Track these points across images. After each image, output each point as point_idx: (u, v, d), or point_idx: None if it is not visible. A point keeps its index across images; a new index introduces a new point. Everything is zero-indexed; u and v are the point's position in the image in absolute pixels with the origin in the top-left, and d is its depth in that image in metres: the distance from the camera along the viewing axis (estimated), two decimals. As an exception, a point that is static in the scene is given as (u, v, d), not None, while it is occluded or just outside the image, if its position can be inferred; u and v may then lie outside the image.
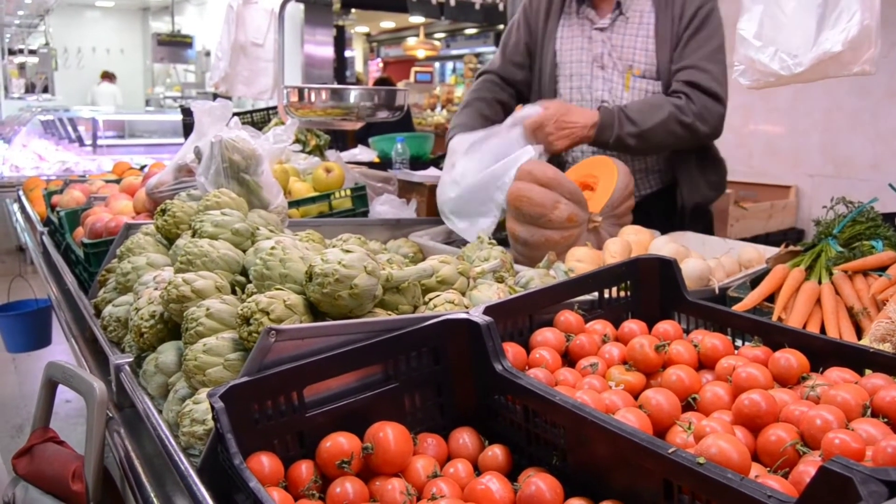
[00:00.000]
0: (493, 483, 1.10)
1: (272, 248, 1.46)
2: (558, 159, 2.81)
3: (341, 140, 4.63)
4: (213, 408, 1.09)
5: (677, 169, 2.71)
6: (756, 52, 1.85)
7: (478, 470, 1.22)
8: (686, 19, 2.55)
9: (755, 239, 4.29)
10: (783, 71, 1.82)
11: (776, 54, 1.82)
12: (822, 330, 1.65)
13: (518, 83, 2.96)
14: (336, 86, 3.03)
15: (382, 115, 2.79)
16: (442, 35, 16.42)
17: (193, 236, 1.74)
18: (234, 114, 4.01)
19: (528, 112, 2.49)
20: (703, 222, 2.79)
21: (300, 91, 2.78)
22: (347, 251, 1.37)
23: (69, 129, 8.46)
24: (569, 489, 1.11)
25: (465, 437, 1.27)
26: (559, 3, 2.80)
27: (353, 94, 2.75)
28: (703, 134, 2.55)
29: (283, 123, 3.37)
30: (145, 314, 1.59)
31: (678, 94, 2.53)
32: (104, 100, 14.61)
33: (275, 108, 4.06)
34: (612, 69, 2.68)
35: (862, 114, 4.93)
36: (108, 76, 15.26)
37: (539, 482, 1.09)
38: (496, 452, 1.23)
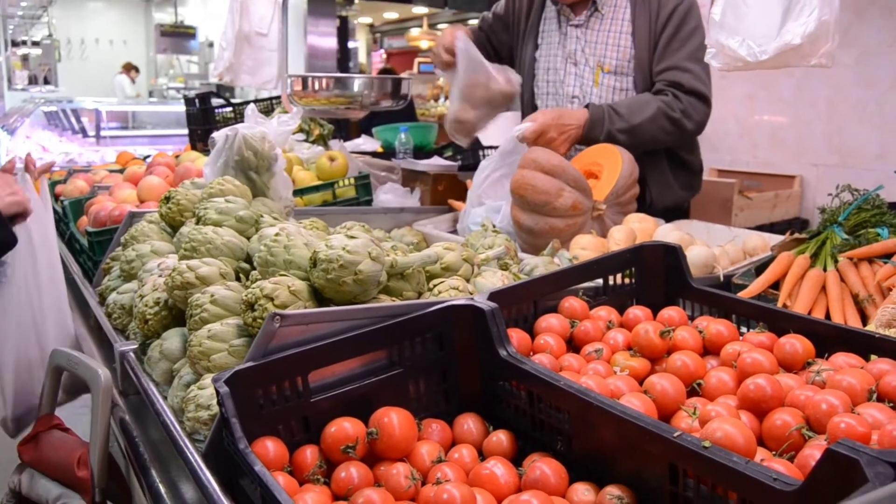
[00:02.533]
0: (498, 468, 1.11)
1: (276, 234, 1.46)
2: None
3: (344, 130, 4.61)
4: (217, 392, 1.09)
5: (647, 169, 2.67)
6: (726, 38, 1.89)
7: (482, 456, 1.22)
8: (663, 18, 2.56)
9: (760, 229, 4.24)
10: (749, 58, 1.87)
11: (744, 41, 1.86)
12: (828, 317, 1.65)
13: (497, 44, 3.03)
14: (340, 74, 3.01)
15: (386, 103, 2.78)
16: (445, 25, 16.35)
17: (197, 223, 1.74)
18: (237, 104, 4.01)
19: (522, 127, 2.50)
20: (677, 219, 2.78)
21: (304, 80, 2.77)
22: (352, 237, 1.37)
23: (72, 120, 8.44)
24: (574, 474, 1.11)
25: (469, 423, 1.27)
26: (540, 2, 2.85)
27: (357, 82, 2.74)
28: (688, 130, 2.57)
29: (287, 112, 3.37)
30: (150, 301, 1.59)
31: (663, 92, 2.55)
32: (123, 91, 14.55)
33: (279, 97, 4.05)
34: (584, 65, 2.70)
35: (867, 104, 4.90)
36: (128, 67, 15.20)
37: (544, 467, 1.09)
38: (501, 438, 1.22)
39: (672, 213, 2.70)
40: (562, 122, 2.47)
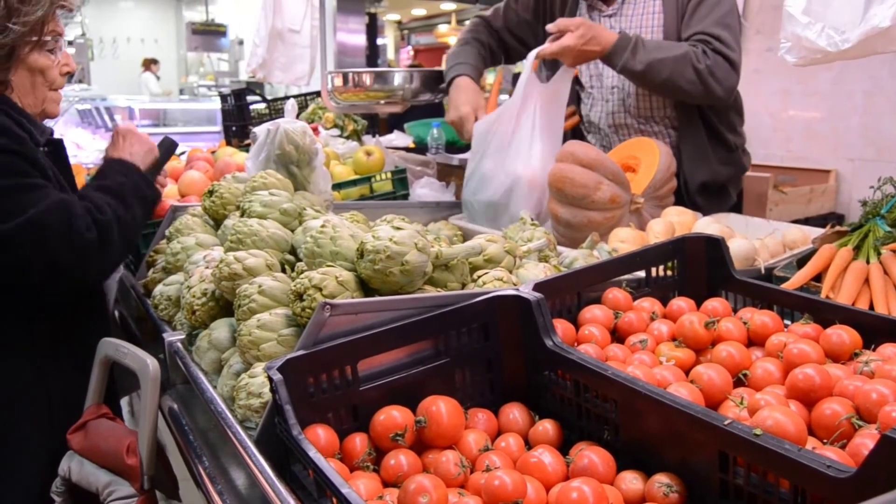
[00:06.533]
0: (546, 456, 1.12)
1: (322, 226, 1.48)
2: (601, 142, 2.81)
3: (375, 127, 4.64)
4: (270, 380, 1.12)
5: (682, 141, 2.60)
6: (803, 29, 1.82)
7: (528, 445, 1.23)
8: None
9: (794, 223, 4.22)
10: (830, 48, 1.79)
11: (823, 31, 1.78)
12: (871, 309, 1.64)
13: (506, 46, 2.95)
14: (380, 69, 3.03)
15: (425, 97, 2.80)
16: (474, 21, 16.33)
17: (242, 216, 1.77)
18: (272, 101, 4.05)
19: (543, 47, 2.47)
20: (719, 203, 2.66)
21: (345, 75, 2.79)
22: (398, 228, 1.39)
23: (106, 118, 8.54)
24: (620, 463, 1.12)
25: (515, 413, 1.29)
26: (573, 2, 2.80)
27: (398, 76, 2.75)
28: (713, 89, 2.44)
29: (324, 108, 3.39)
30: (197, 292, 1.61)
31: (693, 46, 2.46)
32: (149, 89, 14.70)
33: (311, 93, 4.08)
34: None
35: (904, 97, 4.84)
36: (147, 64, 15.37)
37: (592, 455, 1.10)
38: (546, 427, 1.24)
39: (712, 194, 2.63)
40: (586, 47, 2.42)
